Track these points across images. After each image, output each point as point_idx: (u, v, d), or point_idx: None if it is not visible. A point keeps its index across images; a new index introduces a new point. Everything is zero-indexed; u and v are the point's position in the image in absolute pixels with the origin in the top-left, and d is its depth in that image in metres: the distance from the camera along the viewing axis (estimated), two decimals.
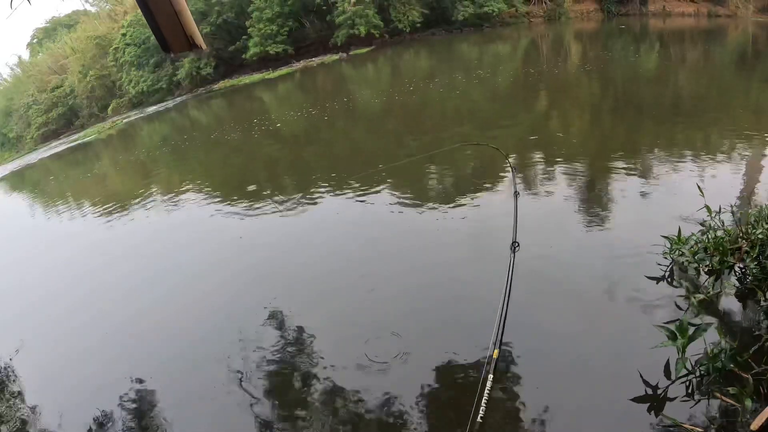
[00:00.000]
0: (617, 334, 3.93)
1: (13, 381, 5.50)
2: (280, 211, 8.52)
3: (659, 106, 11.07)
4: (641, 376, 3.34)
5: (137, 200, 11.99)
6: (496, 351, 2.01)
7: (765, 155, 7.18)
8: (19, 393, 5.21)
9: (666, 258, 4.53)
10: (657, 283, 4.35)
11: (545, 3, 38.14)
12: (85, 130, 42.11)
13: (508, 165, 5.71)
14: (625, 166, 7.48)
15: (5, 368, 5.76)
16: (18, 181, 27.35)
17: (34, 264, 9.67)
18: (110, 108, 46.17)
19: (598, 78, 15.94)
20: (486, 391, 1.87)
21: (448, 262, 5.56)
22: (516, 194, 4.70)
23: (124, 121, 37.94)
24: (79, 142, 35.47)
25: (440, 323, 4.55)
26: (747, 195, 5.96)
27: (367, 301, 5.21)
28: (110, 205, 12.31)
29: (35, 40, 63.91)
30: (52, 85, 52.01)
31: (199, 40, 1.87)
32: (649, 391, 3.26)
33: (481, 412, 1.93)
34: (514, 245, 3.39)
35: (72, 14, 58.10)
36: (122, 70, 44.70)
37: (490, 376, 1.91)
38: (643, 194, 6.43)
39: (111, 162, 22.37)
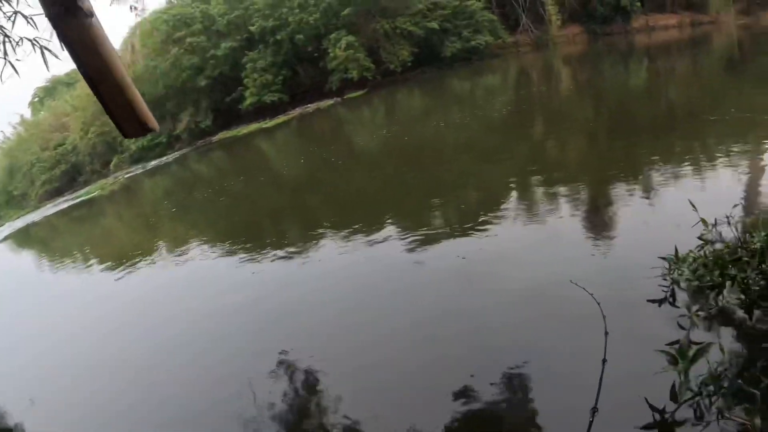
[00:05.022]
0: (621, 361, 3.75)
1: None
2: (287, 260, 8.34)
3: (653, 121, 11.13)
4: (647, 402, 3.19)
5: (140, 256, 11.89)
6: None
7: (762, 161, 7.10)
8: None
9: (666, 279, 4.41)
10: (659, 306, 4.19)
11: (531, 31, 39.00)
12: (88, 186, 42.61)
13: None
14: (622, 186, 7.43)
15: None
16: (24, 238, 27.65)
17: (42, 322, 9.63)
18: (112, 164, 46.74)
19: (590, 100, 16.11)
20: None
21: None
22: (604, 361, 3.89)
23: (127, 176, 38.44)
24: (82, 198, 35.88)
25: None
26: (746, 203, 5.83)
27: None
28: (113, 262, 12.25)
29: (36, 99, 65.08)
30: (54, 143, 52.70)
31: (153, 124, 2.09)
32: (657, 417, 3.11)
33: None
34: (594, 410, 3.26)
35: (71, 73, 59.12)
36: None
37: None
38: (640, 214, 6.35)
39: (114, 218, 22.55)
